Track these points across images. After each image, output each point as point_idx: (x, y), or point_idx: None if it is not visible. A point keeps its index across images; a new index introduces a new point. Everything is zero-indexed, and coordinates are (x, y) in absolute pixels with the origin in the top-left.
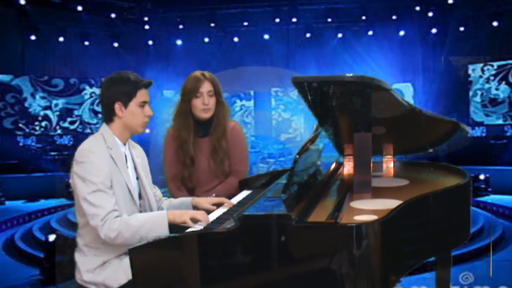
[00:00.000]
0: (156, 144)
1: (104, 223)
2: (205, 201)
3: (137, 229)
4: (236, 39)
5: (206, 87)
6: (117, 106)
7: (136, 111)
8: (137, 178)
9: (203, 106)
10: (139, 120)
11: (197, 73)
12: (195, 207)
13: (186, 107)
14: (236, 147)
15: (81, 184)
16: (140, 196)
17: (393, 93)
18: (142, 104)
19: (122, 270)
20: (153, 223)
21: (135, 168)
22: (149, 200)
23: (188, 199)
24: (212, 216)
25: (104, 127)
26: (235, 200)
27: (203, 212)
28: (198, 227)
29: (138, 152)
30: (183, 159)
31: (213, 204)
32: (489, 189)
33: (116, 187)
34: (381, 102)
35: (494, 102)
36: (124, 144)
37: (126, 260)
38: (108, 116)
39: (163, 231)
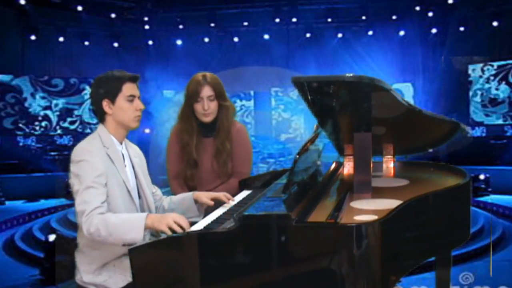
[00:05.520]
0: (156, 144)
1: (88, 219)
2: (205, 195)
3: (113, 228)
4: (236, 39)
5: (206, 92)
6: (105, 103)
7: (125, 106)
8: (135, 178)
9: (203, 111)
10: (129, 114)
11: (199, 76)
12: (196, 201)
13: (189, 110)
14: (240, 148)
15: (76, 182)
16: (138, 196)
17: (393, 93)
18: (130, 99)
19: (121, 272)
20: (130, 225)
21: (133, 168)
22: (147, 199)
23: (189, 194)
24: (212, 216)
25: (100, 127)
26: (235, 200)
27: (183, 217)
28: (179, 231)
29: (135, 152)
30: (186, 158)
31: (213, 200)
32: (489, 189)
33: (114, 187)
34: (381, 102)
35: (494, 102)
36: (121, 143)
37: (126, 262)
38: (100, 116)
39: (137, 236)
